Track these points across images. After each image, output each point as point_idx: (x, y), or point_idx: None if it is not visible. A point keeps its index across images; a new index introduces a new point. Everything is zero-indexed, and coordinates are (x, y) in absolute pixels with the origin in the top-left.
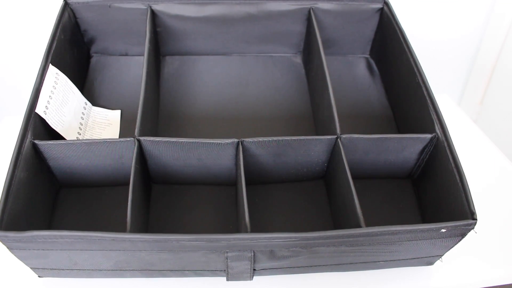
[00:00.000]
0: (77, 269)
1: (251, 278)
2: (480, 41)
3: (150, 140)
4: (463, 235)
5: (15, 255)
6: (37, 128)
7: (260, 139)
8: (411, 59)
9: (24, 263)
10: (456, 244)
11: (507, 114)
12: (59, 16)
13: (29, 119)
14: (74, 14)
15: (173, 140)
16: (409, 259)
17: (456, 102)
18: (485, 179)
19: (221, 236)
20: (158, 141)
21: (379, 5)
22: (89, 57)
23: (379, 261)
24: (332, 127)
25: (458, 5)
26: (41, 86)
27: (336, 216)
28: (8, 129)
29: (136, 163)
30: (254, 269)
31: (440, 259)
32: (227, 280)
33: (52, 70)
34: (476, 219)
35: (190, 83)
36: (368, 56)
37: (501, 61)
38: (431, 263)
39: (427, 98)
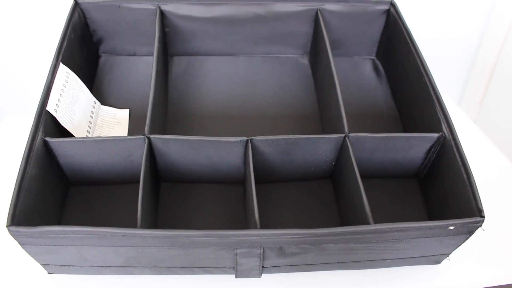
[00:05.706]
0: (86, 266)
1: (259, 275)
2: (480, 41)
3: (160, 138)
4: (470, 232)
5: (26, 251)
6: (48, 125)
7: (269, 137)
8: (418, 60)
9: (34, 259)
10: (463, 242)
11: (507, 114)
12: (69, 16)
13: (40, 116)
14: (83, 14)
15: (183, 138)
16: (417, 257)
17: (456, 102)
18: (485, 179)
19: (231, 232)
20: (168, 139)
21: (386, 7)
22: (97, 57)
23: (386, 259)
24: (340, 126)
25: (458, 5)
26: (52, 84)
27: (344, 215)
28: (7, 129)
29: (146, 160)
30: (263, 266)
31: (448, 257)
32: (236, 277)
33: (63, 68)
34: (484, 217)
35: (198, 84)
36: (374, 57)
37: (501, 61)
38: (438, 262)
39: (434, 97)
